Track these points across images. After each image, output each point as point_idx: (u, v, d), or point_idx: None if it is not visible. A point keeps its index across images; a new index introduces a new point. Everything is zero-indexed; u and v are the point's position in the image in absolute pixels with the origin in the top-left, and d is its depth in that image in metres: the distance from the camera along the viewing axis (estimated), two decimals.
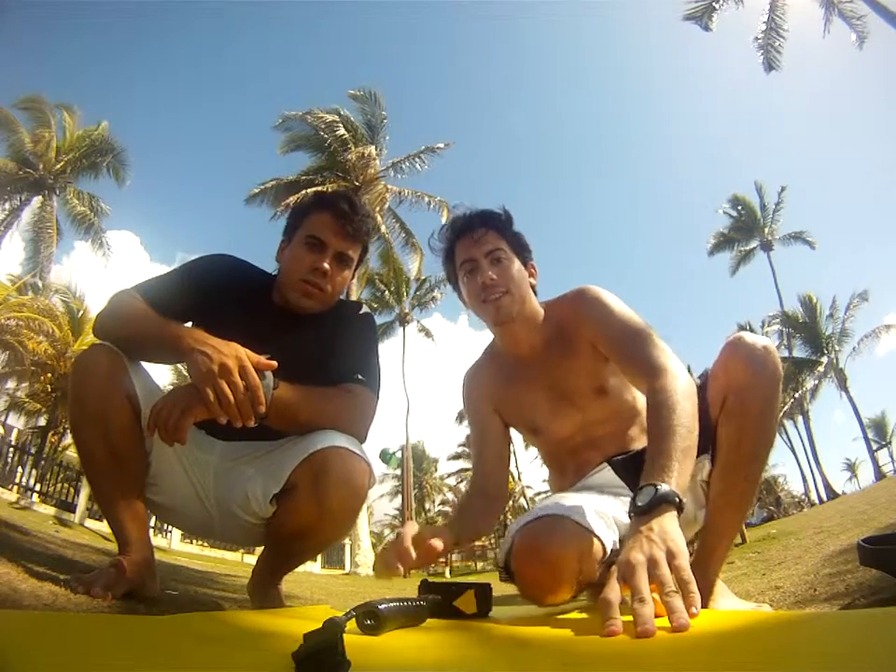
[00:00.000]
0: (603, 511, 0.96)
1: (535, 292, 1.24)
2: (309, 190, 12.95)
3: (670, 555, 0.65)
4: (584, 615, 0.93)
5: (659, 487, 0.75)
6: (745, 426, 0.97)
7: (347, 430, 1.08)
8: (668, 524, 0.71)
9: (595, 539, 0.89)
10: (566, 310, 1.19)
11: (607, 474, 1.14)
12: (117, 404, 1.00)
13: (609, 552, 0.91)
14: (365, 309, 1.31)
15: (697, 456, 1.01)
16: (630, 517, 0.76)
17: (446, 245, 1.25)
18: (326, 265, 1.17)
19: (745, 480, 0.99)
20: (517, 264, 1.19)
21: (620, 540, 0.97)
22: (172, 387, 1.10)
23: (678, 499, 0.74)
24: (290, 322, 1.19)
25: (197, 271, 1.20)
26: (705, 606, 0.92)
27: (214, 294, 1.15)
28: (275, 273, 1.27)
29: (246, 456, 1.15)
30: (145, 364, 1.12)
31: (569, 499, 0.98)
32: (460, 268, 1.21)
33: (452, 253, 1.23)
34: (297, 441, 1.07)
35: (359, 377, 1.13)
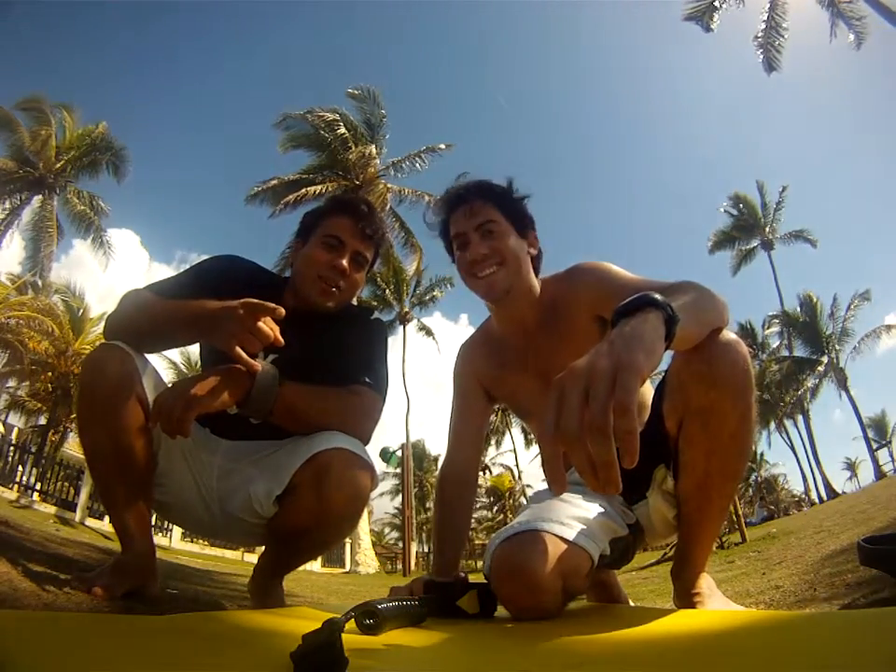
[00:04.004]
0: (587, 516, 0.93)
1: (536, 265, 1.18)
2: (310, 189, 12.98)
3: (618, 367, 0.50)
4: (585, 615, 0.93)
5: (648, 293, 0.63)
6: (714, 450, 0.87)
7: (351, 431, 1.08)
8: (644, 326, 0.58)
9: (579, 552, 0.86)
10: (562, 285, 1.13)
11: None
12: (126, 404, 1.00)
13: (595, 562, 0.89)
14: (376, 314, 1.33)
15: (656, 465, 0.97)
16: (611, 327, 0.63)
17: (441, 218, 1.20)
18: (344, 262, 1.19)
19: (720, 498, 0.93)
20: (513, 236, 1.12)
21: (610, 545, 0.96)
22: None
23: (669, 308, 0.62)
24: (301, 323, 1.19)
25: (207, 270, 1.22)
26: (690, 606, 0.91)
27: (225, 293, 1.15)
28: (285, 276, 1.28)
29: (250, 457, 1.15)
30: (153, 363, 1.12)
31: (551, 507, 0.93)
32: (453, 241, 1.16)
33: (447, 226, 1.19)
34: (300, 442, 1.07)
35: (366, 380, 1.14)
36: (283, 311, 0.95)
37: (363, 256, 1.24)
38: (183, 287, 1.14)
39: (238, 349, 0.94)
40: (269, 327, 0.94)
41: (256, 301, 0.94)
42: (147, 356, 1.09)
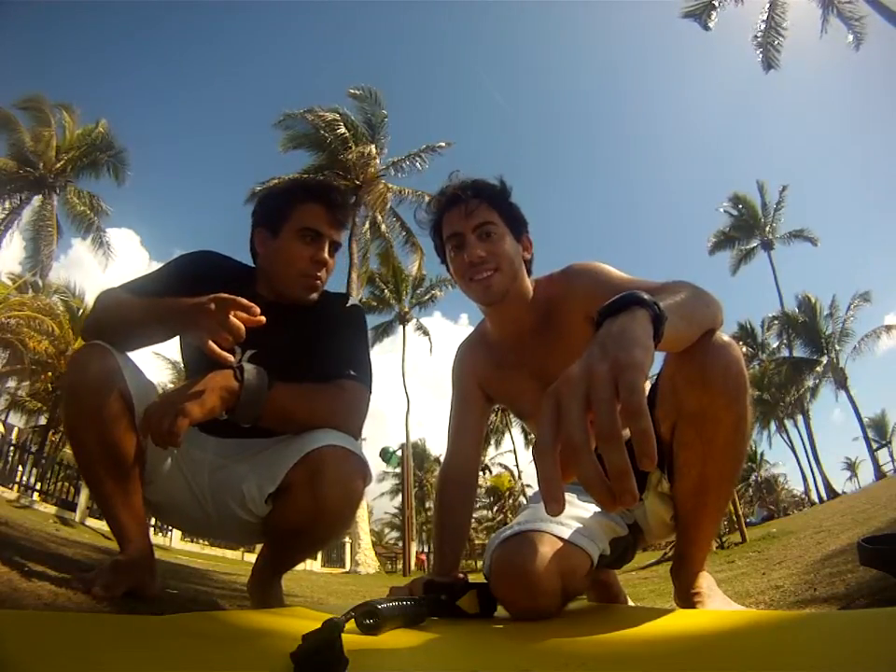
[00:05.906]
0: (587, 516, 0.93)
1: (529, 267, 1.17)
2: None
3: (617, 368, 0.46)
4: (585, 615, 0.93)
5: (634, 292, 0.60)
6: (709, 454, 0.86)
7: (342, 428, 1.07)
8: (633, 324, 0.54)
9: (578, 552, 0.86)
10: (556, 286, 1.12)
11: None
12: (110, 401, 0.99)
13: (594, 562, 0.89)
14: (353, 301, 1.31)
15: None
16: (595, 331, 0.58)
17: (434, 217, 1.17)
18: (325, 255, 1.19)
19: (716, 499, 0.92)
20: (509, 239, 1.11)
21: (611, 545, 0.96)
22: (171, 386, 1.10)
23: (656, 306, 0.58)
24: (279, 316, 1.16)
25: (181, 267, 1.21)
26: (690, 605, 0.91)
27: (199, 289, 1.14)
28: (255, 266, 1.26)
29: (241, 454, 1.15)
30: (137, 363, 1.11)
31: None
32: (447, 242, 1.14)
33: (439, 225, 1.16)
34: (291, 440, 1.07)
35: (351, 373, 1.13)
36: (257, 309, 0.95)
37: (338, 243, 1.24)
38: (157, 284, 1.14)
39: (211, 344, 0.94)
40: (240, 320, 0.94)
41: (226, 296, 0.94)
42: (145, 355, 1.09)
